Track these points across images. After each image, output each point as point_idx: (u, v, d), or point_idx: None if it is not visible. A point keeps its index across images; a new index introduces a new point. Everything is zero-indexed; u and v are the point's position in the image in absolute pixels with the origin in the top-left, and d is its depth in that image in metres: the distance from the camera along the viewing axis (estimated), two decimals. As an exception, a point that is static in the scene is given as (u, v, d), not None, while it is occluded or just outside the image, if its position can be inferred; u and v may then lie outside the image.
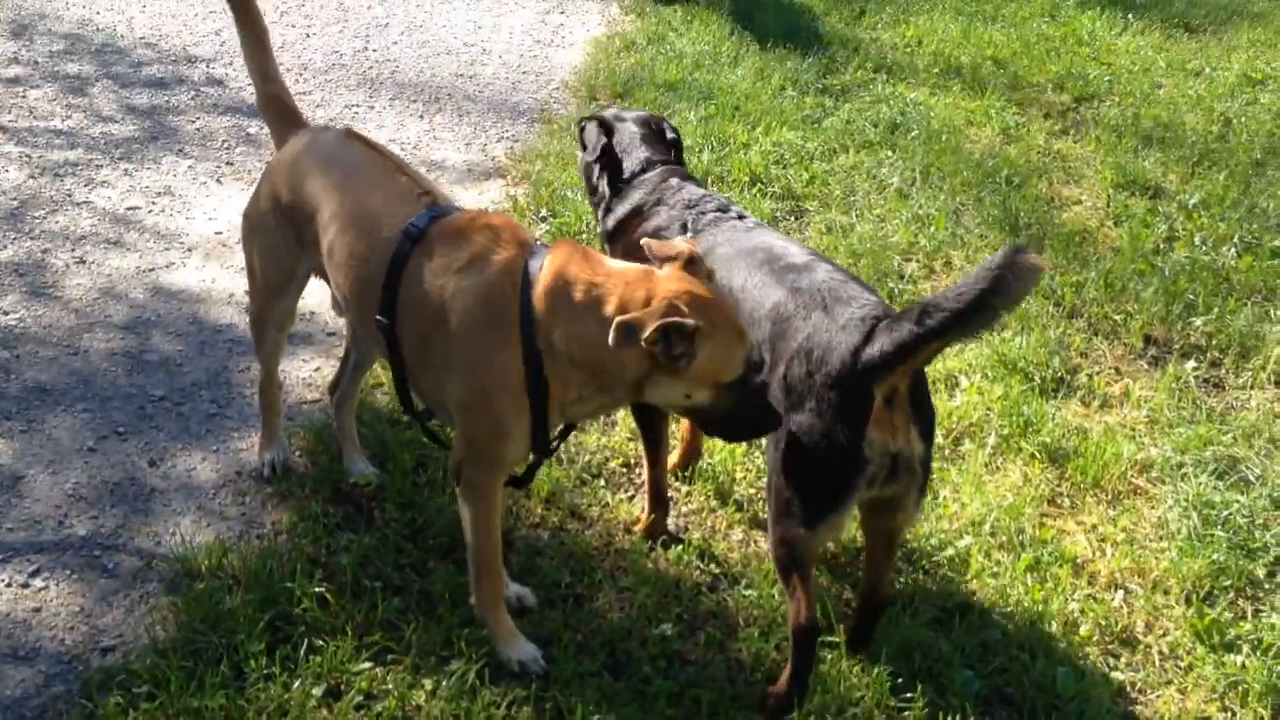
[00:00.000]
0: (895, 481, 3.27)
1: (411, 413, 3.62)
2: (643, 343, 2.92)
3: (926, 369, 4.87)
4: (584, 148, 4.44)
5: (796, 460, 3.29)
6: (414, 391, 3.51)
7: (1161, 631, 3.87)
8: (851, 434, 3.16)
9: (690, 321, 2.93)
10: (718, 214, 3.88)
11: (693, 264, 3.20)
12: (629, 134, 4.31)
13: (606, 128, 4.34)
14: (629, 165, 4.22)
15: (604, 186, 4.26)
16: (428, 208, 3.39)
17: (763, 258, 3.59)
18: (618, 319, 2.93)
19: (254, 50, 4.01)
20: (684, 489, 4.34)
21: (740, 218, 3.88)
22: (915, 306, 3.09)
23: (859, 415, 3.15)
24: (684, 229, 3.85)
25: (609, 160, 4.25)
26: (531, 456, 3.41)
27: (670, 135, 4.39)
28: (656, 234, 3.90)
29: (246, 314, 4.18)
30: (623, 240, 4.06)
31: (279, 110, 4.00)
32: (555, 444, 3.45)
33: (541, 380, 3.14)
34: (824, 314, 3.28)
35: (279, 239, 3.78)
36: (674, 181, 4.10)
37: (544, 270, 3.14)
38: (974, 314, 2.97)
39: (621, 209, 4.12)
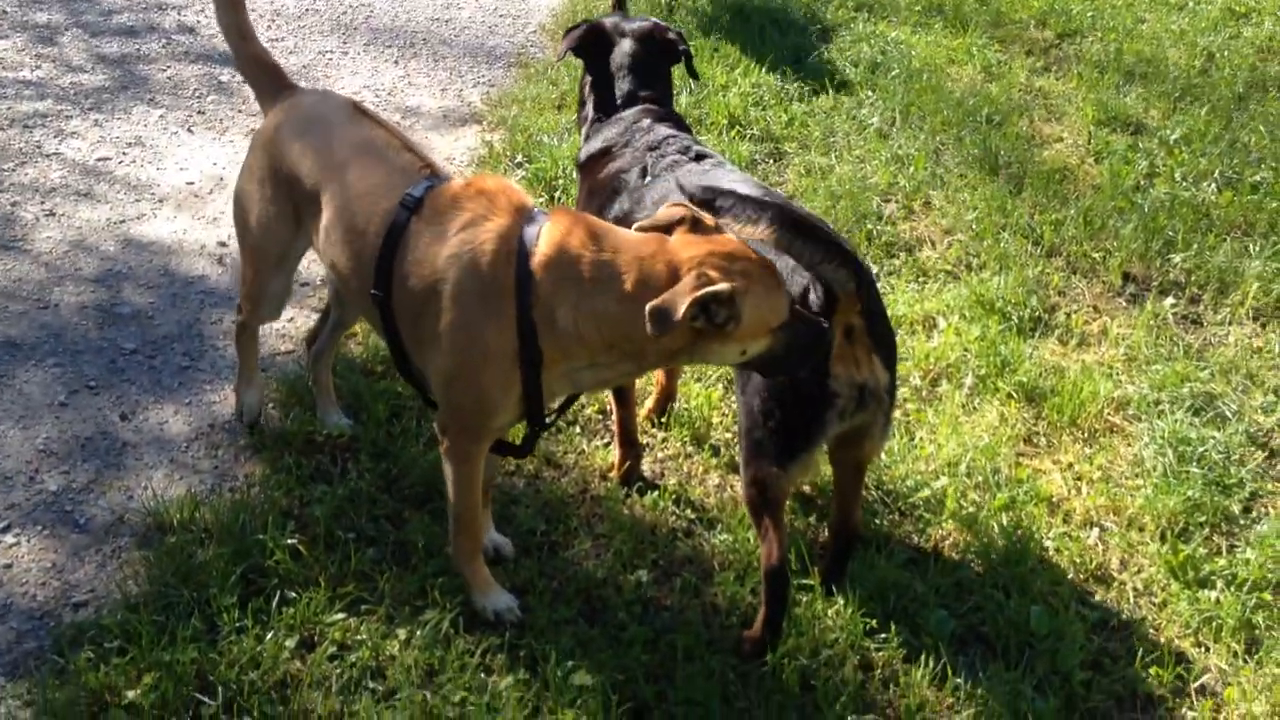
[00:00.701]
0: (863, 410, 3.30)
1: (415, 384, 3.51)
2: (680, 321, 2.80)
3: (903, 309, 4.91)
4: (577, 53, 4.30)
5: (766, 401, 3.29)
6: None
7: (1136, 568, 3.88)
8: (816, 371, 3.18)
9: (726, 286, 2.83)
10: (677, 156, 3.84)
11: (698, 225, 3.06)
12: (622, 56, 4.19)
13: (603, 38, 4.24)
14: (616, 93, 4.15)
15: (590, 109, 4.22)
16: (426, 178, 3.31)
17: None
18: (649, 307, 2.80)
19: (229, 6, 3.84)
20: (660, 434, 4.33)
21: (698, 158, 3.83)
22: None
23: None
24: (643, 173, 3.82)
25: (599, 80, 4.19)
26: (527, 426, 3.33)
27: (682, 47, 4.29)
28: (617, 175, 3.88)
29: (238, 287, 3.98)
30: (589, 179, 4.03)
31: (262, 70, 3.86)
32: (555, 415, 3.39)
33: (535, 351, 3.06)
34: (776, 256, 3.27)
35: (275, 210, 3.65)
36: (646, 122, 4.04)
37: (543, 240, 3.05)
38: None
39: (594, 144, 4.08)
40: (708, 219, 3.10)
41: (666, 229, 3.08)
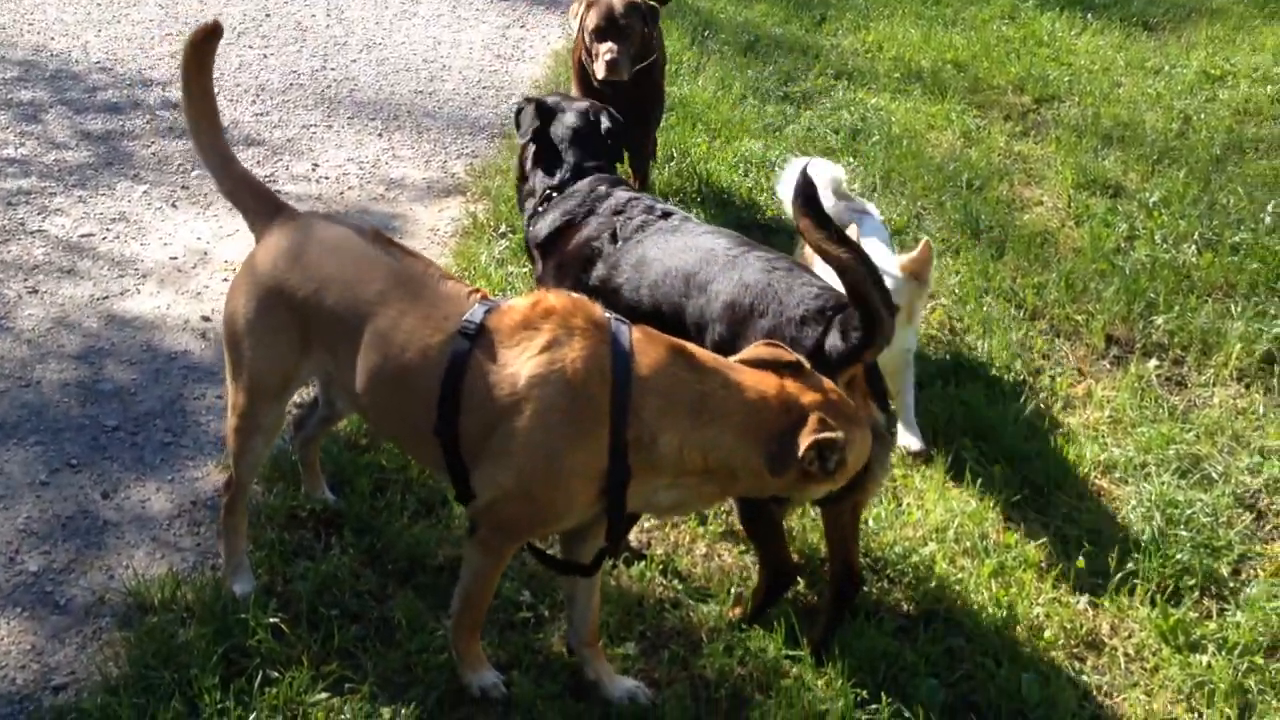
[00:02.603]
0: None
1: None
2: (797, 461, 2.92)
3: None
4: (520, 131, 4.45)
5: None
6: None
7: (1127, 634, 3.85)
8: None
9: (840, 435, 2.92)
10: (645, 217, 3.95)
11: (801, 370, 3.11)
12: (564, 130, 4.33)
13: (546, 114, 4.35)
14: (560, 173, 4.26)
15: (537, 182, 4.30)
16: (480, 303, 3.22)
17: (698, 257, 3.67)
18: (770, 446, 2.94)
19: (208, 130, 3.64)
20: (646, 504, 4.30)
21: (665, 216, 3.96)
22: (842, 320, 3.31)
23: None
24: (613, 237, 3.89)
25: (545, 153, 4.28)
26: (603, 544, 3.29)
27: (608, 125, 4.42)
28: (587, 244, 3.97)
29: (226, 416, 3.63)
30: (557, 254, 4.09)
31: (250, 192, 3.65)
32: (626, 526, 3.36)
33: (624, 470, 3.02)
34: (779, 306, 3.39)
35: (281, 338, 3.42)
36: (603, 189, 4.15)
37: (640, 362, 3.03)
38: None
39: (552, 218, 4.15)
40: (806, 364, 3.15)
41: (767, 366, 3.11)
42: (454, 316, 3.19)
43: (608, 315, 3.16)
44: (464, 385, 3.12)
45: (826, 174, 4.96)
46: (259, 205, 3.63)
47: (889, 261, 4.42)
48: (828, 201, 4.55)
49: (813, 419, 2.94)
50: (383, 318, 3.26)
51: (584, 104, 4.46)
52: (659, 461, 3.03)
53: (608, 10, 5.56)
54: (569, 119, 4.34)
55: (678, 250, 3.77)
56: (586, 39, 5.62)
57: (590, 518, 3.18)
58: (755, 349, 3.19)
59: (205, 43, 3.62)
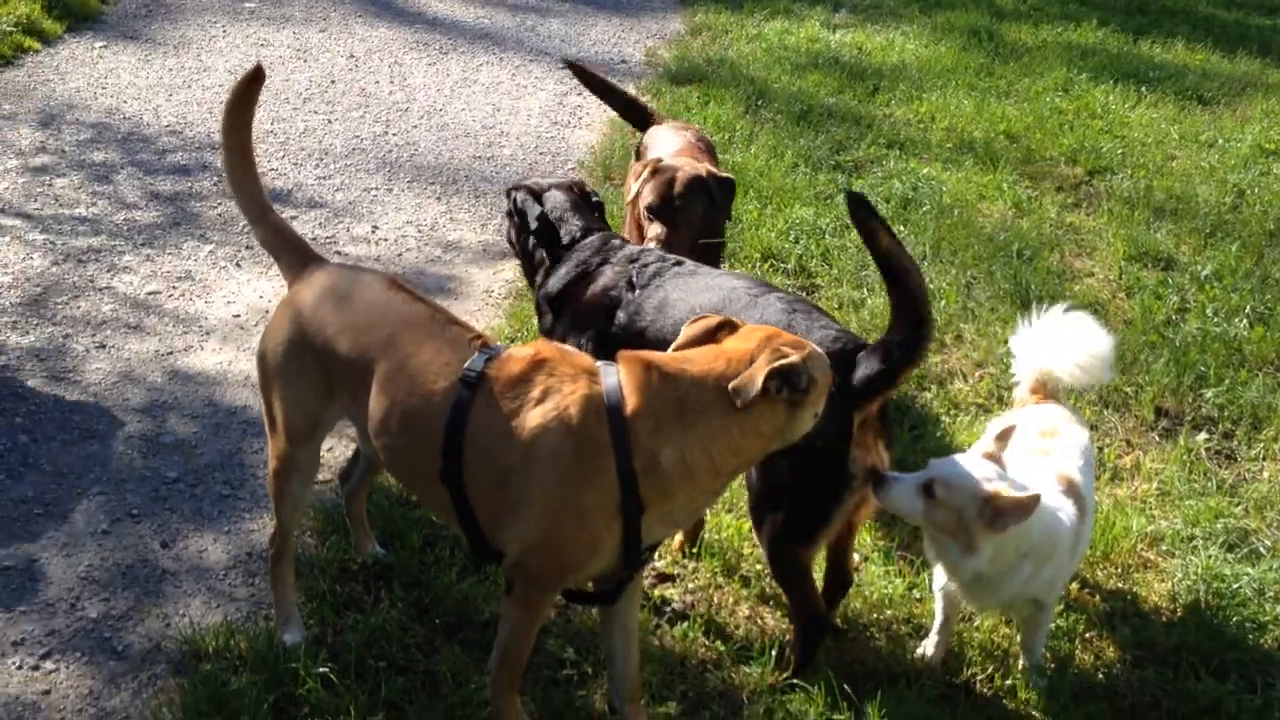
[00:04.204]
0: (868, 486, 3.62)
1: (492, 559, 3.41)
2: (764, 391, 3.00)
3: (933, 442, 4.93)
4: (514, 216, 4.54)
5: (790, 484, 3.59)
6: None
7: (1171, 707, 3.83)
8: (838, 456, 3.50)
9: (796, 358, 3.04)
10: (659, 264, 4.09)
11: (734, 326, 3.26)
12: (559, 202, 4.44)
13: (537, 197, 4.47)
14: (566, 232, 4.37)
15: (541, 253, 4.40)
16: (480, 351, 3.32)
17: (721, 296, 3.83)
18: (731, 385, 3.02)
19: (245, 180, 3.81)
20: (690, 565, 4.35)
21: (679, 263, 4.11)
22: (880, 344, 3.51)
23: (843, 439, 3.48)
24: (630, 285, 4.02)
25: (546, 228, 4.37)
26: (623, 572, 3.33)
27: (595, 199, 4.57)
28: (605, 293, 4.11)
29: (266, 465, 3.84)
30: (571, 306, 4.20)
31: (284, 242, 3.83)
32: (647, 556, 3.39)
33: (636, 500, 3.10)
34: None
35: (307, 383, 3.57)
36: (615, 243, 4.31)
37: (627, 394, 3.11)
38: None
39: (564, 271, 4.27)
40: (737, 320, 3.29)
41: (703, 340, 3.24)
42: (455, 364, 3.30)
43: (595, 361, 3.28)
44: (467, 433, 3.21)
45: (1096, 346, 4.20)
46: (291, 255, 3.80)
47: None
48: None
49: (763, 356, 3.06)
50: (389, 361, 3.37)
51: (566, 179, 4.59)
52: (669, 484, 3.10)
53: (666, 186, 4.73)
54: (558, 195, 4.46)
55: (699, 290, 3.92)
56: (640, 211, 4.83)
57: (616, 560, 3.24)
58: (686, 332, 3.30)
59: (248, 89, 3.80)
